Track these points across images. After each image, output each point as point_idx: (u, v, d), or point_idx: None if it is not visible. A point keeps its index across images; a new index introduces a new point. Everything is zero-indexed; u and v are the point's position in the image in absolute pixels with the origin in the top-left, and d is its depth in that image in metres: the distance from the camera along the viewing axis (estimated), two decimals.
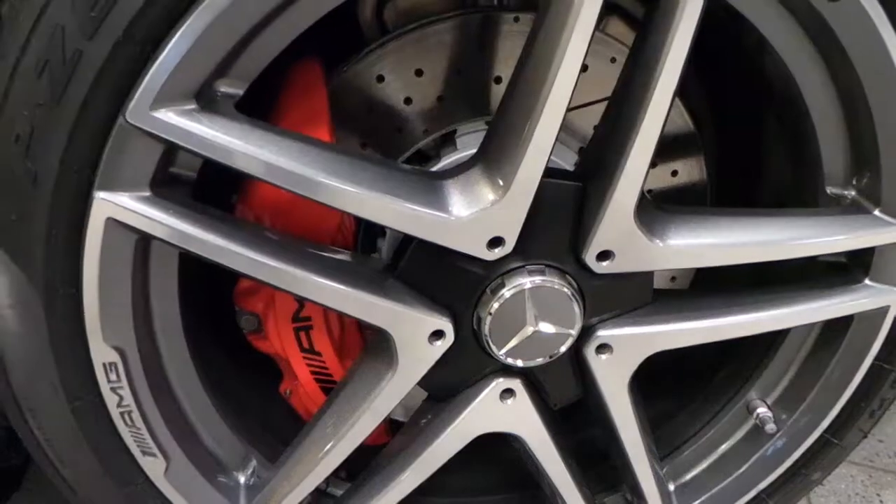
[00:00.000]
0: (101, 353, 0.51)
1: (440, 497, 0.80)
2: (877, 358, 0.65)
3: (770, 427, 0.70)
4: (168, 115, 0.43)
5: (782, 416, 0.71)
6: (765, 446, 0.72)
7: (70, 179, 0.44)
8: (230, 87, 0.47)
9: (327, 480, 0.68)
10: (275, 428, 0.70)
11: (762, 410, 0.71)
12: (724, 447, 0.74)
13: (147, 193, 0.47)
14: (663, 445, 0.77)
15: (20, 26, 0.40)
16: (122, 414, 0.54)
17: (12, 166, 0.43)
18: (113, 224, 0.46)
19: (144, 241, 0.50)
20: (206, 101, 0.45)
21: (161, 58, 0.42)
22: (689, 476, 0.75)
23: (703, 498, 0.74)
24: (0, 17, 0.41)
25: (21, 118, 0.42)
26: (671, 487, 0.75)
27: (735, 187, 0.79)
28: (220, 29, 0.42)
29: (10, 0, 0.41)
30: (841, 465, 0.98)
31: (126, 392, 0.53)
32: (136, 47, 0.41)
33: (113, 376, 0.52)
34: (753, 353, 0.73)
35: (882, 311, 0.63)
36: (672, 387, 0.82)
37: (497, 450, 0.84)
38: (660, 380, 0.82)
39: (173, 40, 0.41)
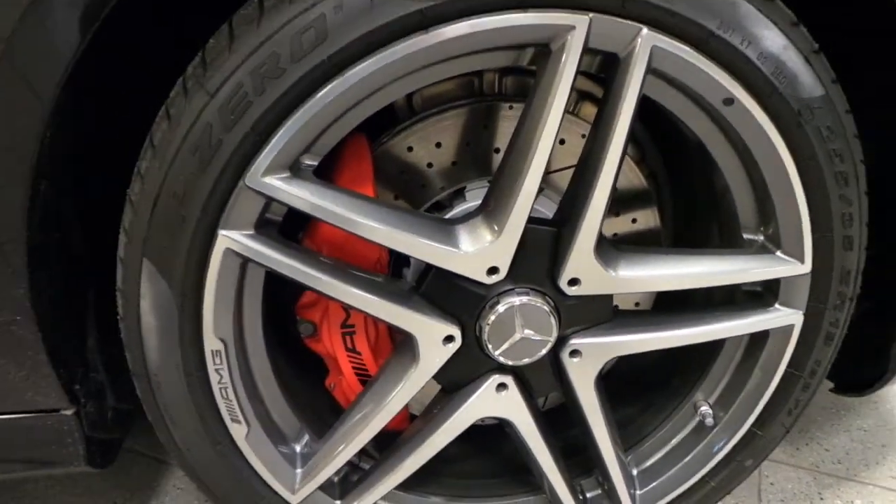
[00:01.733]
0: (210, 342, 0.71)
1: (454, 478, 0.98)
2: (789, 366, 0.83)
3: (709, 421, 0.88)
4: (271, 181, 0.64)
5: (720, 413, 0.89)
6: (706, 438, 0.90)
7: (205, 222, 0.65)
8: (311, 160, 0.68)
9: (359, 455, 0.87)
10: (319, 412, 0.90)
11: (704, 409, 0.89)
12: (675, 440, 0.92)
13: (251, 232, 0.68)
14: (628, 440, 0.94)
15: (183, 123, 0.62)
16: (220, 389, 0.74)
17: (170, 213, 0.64)
18: (228, 252, 0.67)
19: (245, 264, 0.71)
20: (295, 170, 0.66)
21: (271, 143, 0.63)
22: (648, 463, 0.92)
23: (659, 480, 0.91)
24: (169, 115, 0.63)
25: (179, 182, 0.63)
26: (634, 472, 0.93)
27: (683, 232, 1.00)
28: (310, 123, 0.63)
29: (177, 105, 0.63)
30: (790, 468, 1.16)
31: (225, 372, 0.73)
32: (256, 136, 0.62)
33: (217, 360, 0.72)
34: (698, 363, 0.92)
35: (789, 329, 0.81)
36: (636, 395, 1.00)
37: (496, 444, 1.04)
38: (626, 391, 1.01)
39: (280, 132, 0.63)
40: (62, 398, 0.78)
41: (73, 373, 0.79)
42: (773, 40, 0.66)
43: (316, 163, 0.69)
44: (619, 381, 1.02)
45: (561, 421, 0.95)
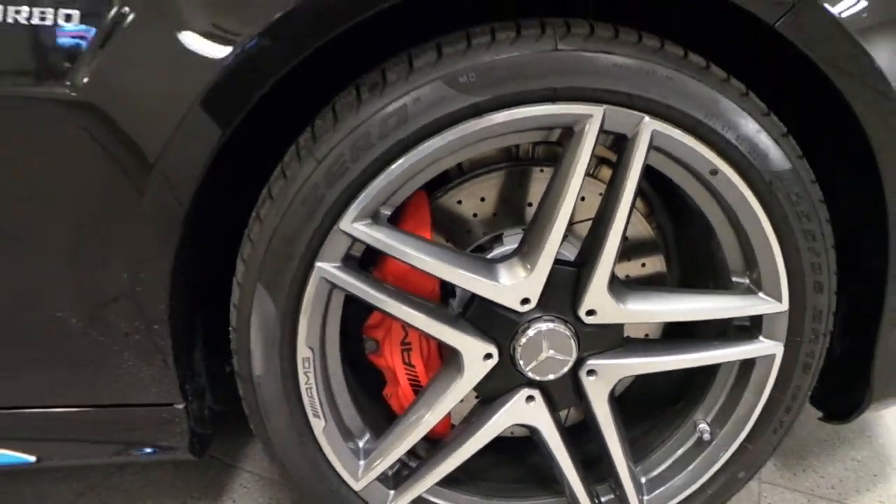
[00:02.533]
0: (302, 350, 0.90)
1: (488, 482, 1.14)
2: (773, 390, 0.99)
3: (707, 437, 1.04)
4: (358, 226, 0.84)
5: (716, 430, 1.04)
6: (704, 451, 1.05)
7: (306, 256, 0.85)
8: (387, 210, 0.88)
9: (408, 455, 1.04)
10: (374, 416, 1.07)
11: (703, 426, 1.05)
12: (678, 452, 1.07)
13: (339, 264, 0.87)
14: (639, 453, 1.09)
15: (296, 181, 0.83)
16: (306, 389, 0.92)
17: (281, 248, 0.84)
18: (321, 280, 0.87)
19: (331, 289, 0.90)
20: (375, 217, 0.86)
21: (360, 197, 0.83)
22: (655, 472, 1.07)
23: (664, 487, 1.06)
24: (285, 175, 0.84)
25: (290, 225, 0.83)
26: (643, 480, 1.08)
27: (685, 275, 1.17)
28: (389, 184, 0.83)
29: (291, 168, 0.84)
30: (787, 491, 1.29)
31: (311, 375, 0.92)
32: (350, 193, 0.82)
33: (306, 365, 0.91)
34: (699, 388, 1.08)
35: (772, 358, 0.97)
36: (646, 416, 1.16)
37: (524, 456, 1.20)
38: (639, 412, 1.17)
39: (367, 190, 0.83)
40: (177, 395, 0.97)
41: (185, 375, 0.99)
42: (747, 126, 0.85)
43: (390, 212, 0.89)
44: (633, 404, 1.18)
45: (580, 437, 1.11)
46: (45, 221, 0.81)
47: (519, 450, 1.20)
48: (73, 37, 0.73)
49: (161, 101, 0.77)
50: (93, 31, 0.73)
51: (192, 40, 0.75)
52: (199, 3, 0.75)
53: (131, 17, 0.73)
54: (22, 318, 0.89)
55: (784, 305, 0.94)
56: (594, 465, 1.09)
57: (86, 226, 0.82)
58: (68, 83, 0.74)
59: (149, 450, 1.02)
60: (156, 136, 0.78)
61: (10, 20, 0.72)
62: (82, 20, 0.73)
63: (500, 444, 1.14)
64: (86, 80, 0.74)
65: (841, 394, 1.11)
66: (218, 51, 0.74)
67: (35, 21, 0.72)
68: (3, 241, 0.83)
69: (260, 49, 0.75)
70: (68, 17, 0.72)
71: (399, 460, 1.02)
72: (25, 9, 0.72)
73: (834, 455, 1.36)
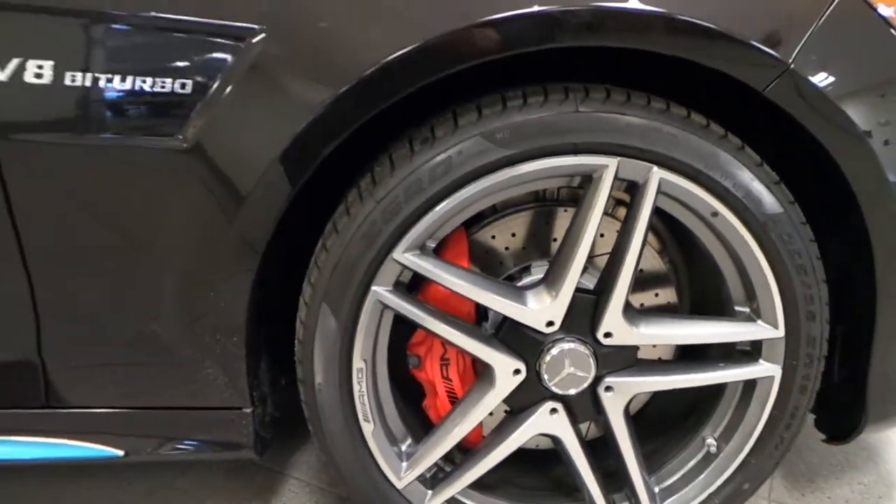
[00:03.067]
0: (357, 362, 1.05)
1: (516, 489, 1.26)
2: (773, 409, 1.10)
3: (714, 451, 1.15)
4: (408, 256, 0.99)
5: (722, 444, 1.15)
6: (712, 464, 1.16)
7: (364, 281, 1.00)
8: (431, 243, 1.03)
9: (444, 459, 1.17)
10: (412, 425, 1.21)
11: (710, 441, 1.16)
12: (689, 464, 1.17)
13: (391, 289, 1.03)
14: (653, 465, 1.20)
15: (358, 218, 0.99)
16: (359, 395, 1.07)
17: (343, 274, 1.00)
18: (376, 301, 1.02)
19: (383, 309, 1.05)
20: (422, 249, 1.02)
21: (411, 232, 0.98)
22: (667, 482, 1.18)
23: (676, 496, 1.16)
24: (348, 212, 1.00)
25: (351, 255, 0.99)
26: (656, 490, 1.19)
27: (694, 304, 1.29)
28: (435, 221, 0.98)
29: (353, 206, 1.00)
30: None
31: (363, 384, 1.07)
32: (402, 228, 0.98)
33: (359, 375, 1.06)
34: (707, 406, 1.19)
35: (771, 379, 1.09)
36: (660, 433, 1.27)
37: (548, 467, 1.32)
38: (654, 429, 1.29)
39: (417, 226, 0.98)
40: (246, 399, 1.13)
41: (253, 382, 1.15)
42: (742, 175, 0.98)
43: (434, 245, 1.04)
44: (648, 423, 1.30)
45: (600, 453, 1.23)
46: (154, 244, 0.99)
47: (544, 462, 1.32)
48: (186, 101, 0.91)
49: (250, 152, 0.94)
50: (201, 97, 0.91)
51: (272, 110, 0.92)
52: (277, 83, 0.91)
53: (228, 89, 0.91)
54: (125, 329, 1.06)
55: (780, 332, 1.06)
56: (612, 477, 1.21)
57: (185, 250, 0.99)
58: (180, 136, 0.92)
59: (218, 448, 1.17)
60: (245, 180, 0.95)
61: (136, 87, 0.91)
62: (194, 89, 0.91)
63: (526, 456, 1.28)
64: (194, 134, 0.92)
65: (841, 417, 1.21)
66: (293, 118, 0.91)
67: (157, 89, 0.91)
68: (118, 262, 1.00)
69: (323, 119, 0.91)
70: (183, 86, 0.91)
71: (435, 464, 1.15)
72: (150, 79, 0.91)
73: (842, 478, 1.45)
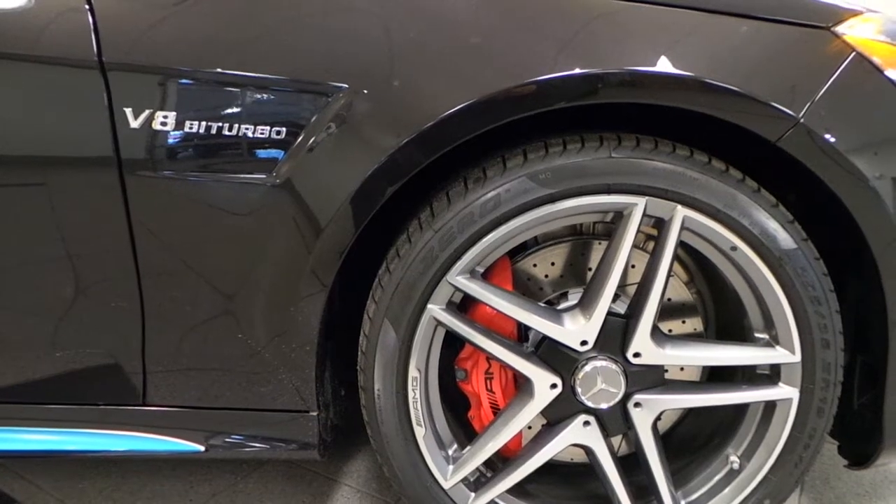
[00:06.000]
0: (412, 371, 1.20)
1: (550, 498, 1.37)
2: (792, 429, 1.20)
3: (736, 466, 1.24)
4: (460, 279, 1.14)
5: (745, 461, 1.24)
6: (735, 479, 1.25)
7: (422, 300, 1.15)
8: (480, 268, 1.18)
9: (485, 465, 1.30)
10: (458, 433, 1.34)
11: (733, 458, 1.26)
12: (714, 480, 1.27)
13: (444, 307, 1.18)
14: (681, 481, 1.30)
15: (418, 245, 1.15)
16: (413, 402, 1.21)
17: (403, 293, 1.16)
18: (431, 318, 1.17)
19: (437, 325, 1.20)
20: (472, 273, 1.17)
21: (463, 258, 1.13)
22: (693, 496, 1.27)
23: None
24: (410, 239, 1.16)
25: (411, 277, 1.15)
26: (683, 502, 1.28)
27: (719, 332, 1.40)
28: (484, 250, 1.13)
29: (414, 235, 1.16)
30: None
31: (417, 391, 1.21)
32: (456, 255, 1.13)
33: (414, 383, 1.20)
34: (731, 426, 1.29)
35: (790, 401, 1.19)
36: (689, 451, 1.37)
37: (581, 480, 1.43)
38: (682, 448, 1.38)
39: (468, 253, 1.13)
40: (313, 404, 1.28)
41: (319, 388, 1.30)
42: (758, 215, 1.11)
43: (483, 270, 1.19)
44: (678, 443, 1.40)
45: (630, 470, 1.33)
46: (247, 267, 1.16)
47: (577, 475, 1.42)
48: (279, 144, 1.10)
49: (329, 190, 1.12)
50: (291, 142, 1.09)
51: (347, 154, 1.09)
52: (354, 132, 1.09)
53: (314, 136, 1.09)
54: (218, 340, 1.23)
55: (797, 357, 1.16)
56: (642, 491, 1.31)
57: (272, 270, 1.16)
58: (273, 173, 1.10)
59: (287, 447, 1.32)
60: (324, 213, 1.12)
61: (241, 133, 1.10)
62: (287, 135, 1.09)
63: (561, 469, 1.39)
64: (284, 171, 1.10)
65: (861, 443, 1.29)
66: (363, 164, 1.08)
67: (257, 135, 1.10)
68: (216, 282, 1.18)
69: (387, 166, 1.07)
70: (278, 132, 1.09)
71: (478, 469, 1.28)
72: (251, 126, 1.10)
73: (865, 497, 1.50)
